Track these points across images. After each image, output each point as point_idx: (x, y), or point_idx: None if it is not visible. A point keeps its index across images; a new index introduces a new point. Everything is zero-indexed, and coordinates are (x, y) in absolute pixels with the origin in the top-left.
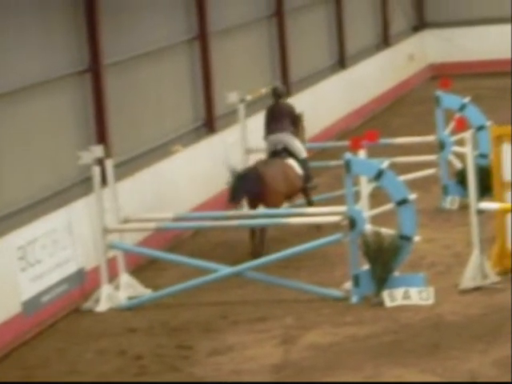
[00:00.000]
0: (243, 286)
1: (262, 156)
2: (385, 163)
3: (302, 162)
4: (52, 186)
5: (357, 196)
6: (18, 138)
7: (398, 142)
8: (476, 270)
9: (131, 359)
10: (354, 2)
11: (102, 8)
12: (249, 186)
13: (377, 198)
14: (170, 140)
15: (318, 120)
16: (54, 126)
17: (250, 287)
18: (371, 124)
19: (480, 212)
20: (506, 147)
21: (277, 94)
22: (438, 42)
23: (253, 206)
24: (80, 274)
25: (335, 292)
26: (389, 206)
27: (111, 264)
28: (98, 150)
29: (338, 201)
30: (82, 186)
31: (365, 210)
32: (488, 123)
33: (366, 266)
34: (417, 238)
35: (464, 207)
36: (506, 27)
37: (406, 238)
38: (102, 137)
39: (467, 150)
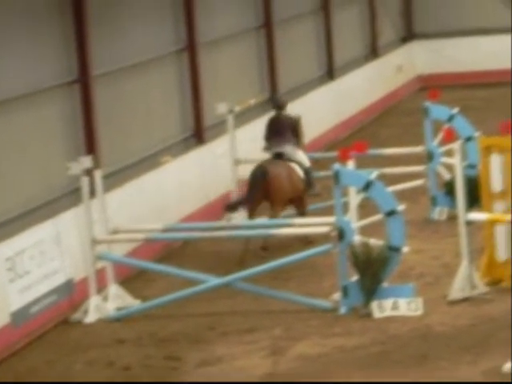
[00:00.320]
0: (232, 296)
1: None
2: (373, 174)
3: (306, 170)
4: (41, 196)
5: (345, 207)
6: (6, 148)
7: (386, 152)
8: (465, 280)
9: (120, 370)
10: (342, 13)
11: (91, 19)
12: (255, 183)
13: (365, 208)
14: (158, 151)
15: (306, 131)
16: (42, 136)
17: (238, 298)
18: (360, 135)
19: (468, 223)
20: (494, 158)
21: (277, 106)
22: (426, 53)
23: (257, 202)
24: (68, 285)
25: (324, 303)
26: (377, 217)
27: (100, 275)
28: (86, 161)
29: (327, 211)
30: (70, 196)
31: (353, 221)
32: (476, 134)
33: (354, 277)
34: (405, 249)
35: (452, 218)
36: (494, 38)
37: (395, 249)
38: (90, 148)
39: (456, 160)
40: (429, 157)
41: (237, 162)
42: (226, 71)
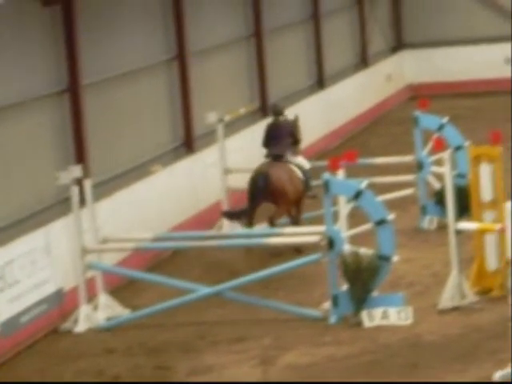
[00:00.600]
0: (222, 306)
1: (241, 177)
2: (363, 183)
3: (304, 171)
4: (30, 206)
5: (335, 216)
6: None
7: (376, 162)
8: (454, 289)
9: (109, 380)
10: (332, 23)
11: (81, 28)
12: (259, 188)
13: (355, 218)
14: (148, 160)
15: None
16: (32, 146)
17: (228, 307)
18: (350, 144)
19: (458, 232)
20: (484, 167)
21: (276, 112)
22: (415, 62)
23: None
24: (58, 295)
25: (314, 312)
26: (367, 226)
27: (90, 284)
28: (76, 170)
29: (317, 221)
30: (60, 206)
31: (343, 230)
32: (466, 143)
33: (344, 286)
34: (395, 258)
35: (442, 227)
36: (484, 48)
37: (385, 258)
38: (80, 157)
39: (445, 170)
40: (419, 166)
41: (227, 172)
42: (216, 80)
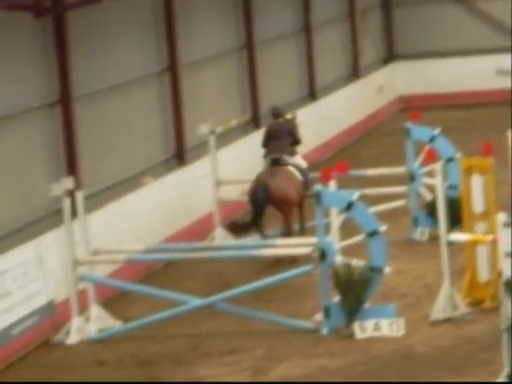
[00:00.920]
0: (214, 317)
1: (233, 188)
2: (355, 195)
3: (302, 171)
4: (22, 218)
5: (327, 227)
6: None
7: (368, 173)
8: (446, 301)
9: None
10: (324, 34)
11: (72, 40)
12: (260, 200)
13: (347, 229)
14: (140, 172)
15: None
16: (23, 157)
17: (220, 319)
18: (341, 156)
19: (450, 243)
20: (475, 179)
21: (276, 115)
22: (407, 73)
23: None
24: (50, 307)
25: (306, 324)
26: (359, 238)
27: (81, 296)
28: (68, 182)
29: (309, 232)
30: (52, 217)
31: (335, 242)
32: (458, 155)
33: (336, 298)
34: (387, 270)
35: (434, 238)
36: (475, 59)
37: (377, 270)
38: (72, 169)
39: (437, 181)
40: (410, 177)
41: (218, 183)
42: (208, 92)
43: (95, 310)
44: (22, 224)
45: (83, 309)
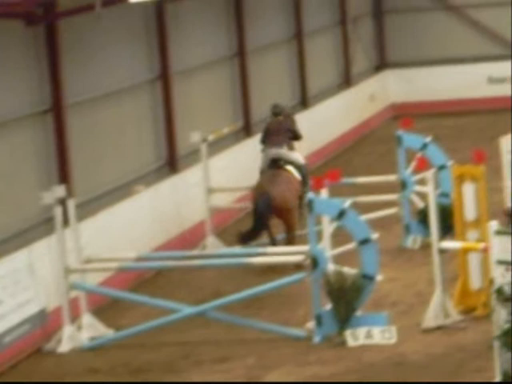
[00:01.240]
0: (206, 325)
1: (225, 196)
2: (347, 203)
3: (300, 168)
4: (13, 226)
5: (319, 235)
6: None
7: (359, 181)
8: (438, 309)
9: None
10: (315, 42)
11: (64, 48)
12: (263, 209)
13: (339, 237)
14: (132, 180)
15: None
16: (15, 165)
17: (212, 327)
18: (333, 163)
19: (442, 251)
20: (467, 186)
21: (276, 113)
22: (399, 81)
23: (266, 221)
24: (42, 315)
25: (298, 331)
26: (351, 246)
27: (73, 304)
28: (59, 190)
29: (301, 240)
30: (43, 226)
31: (327, 250)
32: (449, 162)
33: (328, 306)
34: (379, 278)
35: (426, 246)
36: (466, 67)
37: (368, 278)
38: (63, 177)
39: (429, 189)
40: (402, 185)
41: (210, 191)
42: (200, 100)
43: (87, 318)
44: (14, 232)
45: (75, 317)
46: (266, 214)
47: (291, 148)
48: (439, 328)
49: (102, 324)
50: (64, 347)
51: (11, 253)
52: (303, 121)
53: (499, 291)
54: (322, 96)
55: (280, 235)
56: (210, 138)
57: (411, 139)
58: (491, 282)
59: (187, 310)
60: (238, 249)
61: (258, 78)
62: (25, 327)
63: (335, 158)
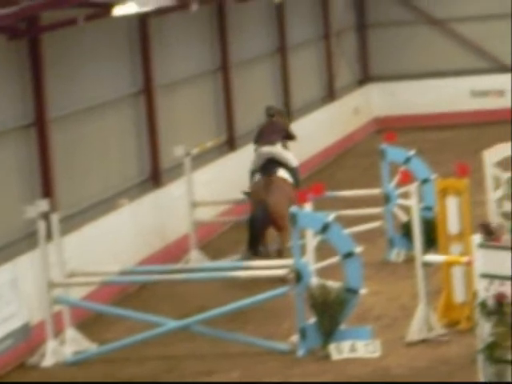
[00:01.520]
0: (190, 339)
1: (209, 210)
2: (331, 216)
3: (292, 170)
4: None
5: (303, 249)
6: None
7: (343, 195)
8: (422, 322)
9: None
10: (299, 56)
11: (47, 62)
12: (260, 218)
13: (323, 251)
14: (115, 194)
15: None
16: None
17: (196, 341)
18: (317, 177)
19: (426, 264)
20: (450, 200)
21: (270, 114)
22: (382, 95)
23: (258, 233)
24: (25, 329)
25: (282, 345)
26: (335, 259)
27: (57, 318)
28: (43, 204)
29: (285, 254)
30: (27, 240)
31: (311, 263)
32: (433, 176)
33: (312, 319)
34: (363, 291)
35: (410, 260)
36: (449, 81)
37: (352, 291)
38: (47, 191)
39: (412, 202)
40: (386, 199)
41: (194, 205)
42: (183, 114)
43: (70, 333)
44: None
45: (58, 331)
46: (264, 222)
47: (285, 147)
48: (423, 341)
49: (86, 338)
50: (47, 361)
51: None
52: None
53: (483, 304)
54: (306, 110)
55: (271, 245)
56: (194, 151)
57: (395, 153)
58: (475, 295)
59: (171, 323)
60: (222, 262)
61: (241, 91)
62: (8, 341)
63: (319, 172)
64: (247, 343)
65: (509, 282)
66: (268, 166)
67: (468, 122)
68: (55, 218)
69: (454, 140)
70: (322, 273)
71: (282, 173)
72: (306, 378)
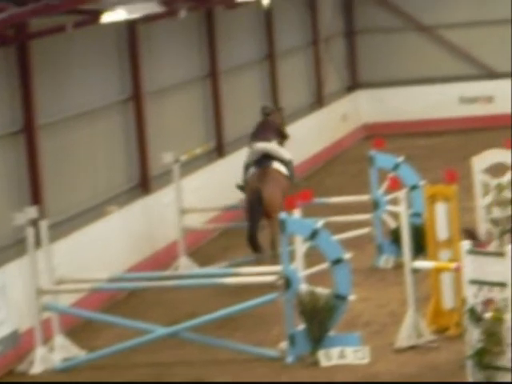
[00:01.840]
0: (179, 346)
1: (198, 216)
2: (319, 223)
3: (287, 164)
4: None
5: (292, 255)
6: None
7: (332, 201)
8: (411, 328)
9: None
10: (288, 63)
11: (36, 69)
12: (255, 206)
13: (312, 257)
14: (104, 201)
15: None
16: None
17: (185, 348)
18: (305, 184)
19: (414, 271)
20: (439, 206)
21: (264, 114)
22: (371, 102)
23: (255, 220)
24: (14, 336)
25: (271, 352)
26: (324, 266)
27: (46, 325)
28: (31, 211)
29: (273, 260)
30: (15, 247)
31: (300, 270)
32: (421, 182)
33: (301, 326)
34: (352, 298)
35: (398, 266)
36: (437, 87)
37: (341, 298)
38: (36, 198)
39: (401, 209)
40: (374, 205)
41: (183, 212)
42: (172, 121)
43: (59, 340)
44: None
45: (47, 338)
46: (260, 209)
47: (281, 144)
48: (412, 348)
49: (75, 345)
50: (36, 369)
51: None
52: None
53: (471, 311)
54: (295, 116)
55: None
56: (183, 158)
57: (383, 159)
58: (463, 301)
59: (161, 330)
60: (211, 269)
61: (230, 98)
62: None
63: (307, 178)
64: (236, 350)
65: (497, 288)
66: (263, 159)
67: (457, 129)
68: (44, 225)
69: (442, 146)
70: (311, 279)
71: (276, 165)
72: None
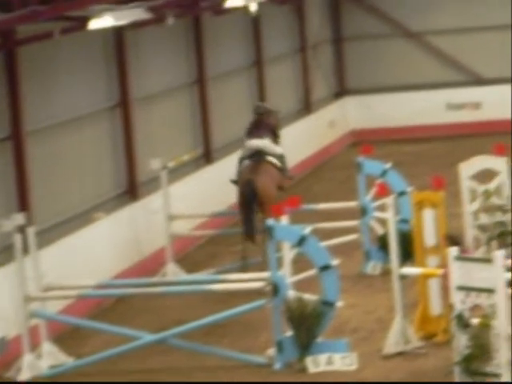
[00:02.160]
0: (166, 353)
1: (185, 223)
2: (307, 229)
3: (279, 157)
4: None
5: (279, 262)
6: None
7: (320, 207)
8: (399, 335)
9: None
10: (275, 69)
11: (24, 75)
12: (248, 197)
13: (299, 263)
14: (92, 207)
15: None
16: None
17: (173, 354)
18: (293, 190)
19: (402, 277)
20: (426, 212)
21: (258, 113)
22: (358, 108)
23: (250, 211)
24: (2, 343)
25: (259, 358)
26: (311, 272)
27: (33, 332)
28: (19, 218)
29: (261, 267)
30: (3, 254)
31: (288, 276)
32: (409, 189)
33: (289, 332)
34: (339, 304)
35: (386, 272)
36: (424, 93)
37: (329, 304)
38: (23, 204)
39: (389, 215)
40: (362, 211)
41: (171, 218)
42: (160, 127)
43: (47, 347)
44: None
45: (35, 345)
46: (253, 200)
47: (275, 143)
48: (400, 354)
49: (63, 352)
50: (24, 376)
51: None
52: None
53: (459, 317)
54: (282, 122)
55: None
56: (170, 164)
57: (371, 165)
58: (451, 307)
59: (148, 337)
60: (199, 276)
61: (218, 104)
62: None
63: (295, 185)
64: (224, 356)
65: (485, 294)
66: (256, 154)
67: (444, 135)
68: (31, 232)
69: (429, 153)
70: (299, 286)
71: (269, 158)
72: None
